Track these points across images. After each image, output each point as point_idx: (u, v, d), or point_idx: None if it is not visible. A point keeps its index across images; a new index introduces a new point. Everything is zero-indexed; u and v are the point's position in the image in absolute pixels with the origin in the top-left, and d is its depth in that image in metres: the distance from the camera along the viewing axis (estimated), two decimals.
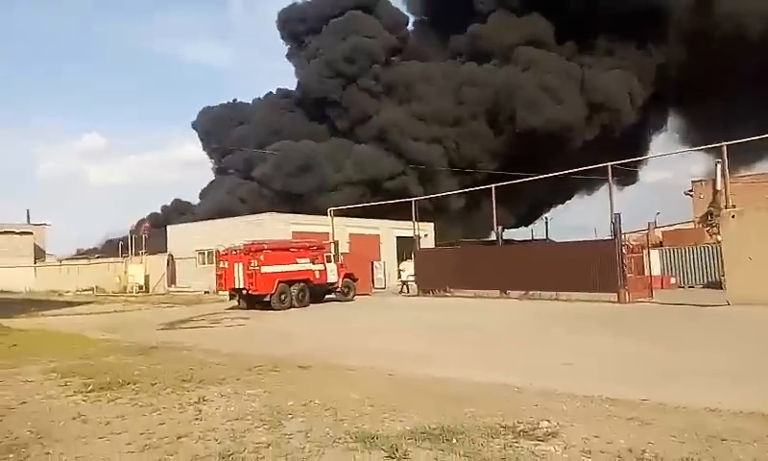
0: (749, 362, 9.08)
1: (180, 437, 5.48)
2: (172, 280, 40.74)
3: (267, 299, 22.09)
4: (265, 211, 37.49)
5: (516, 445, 5.03)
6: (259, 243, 23.61)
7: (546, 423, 5.62)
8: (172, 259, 40.96)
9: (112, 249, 53.83)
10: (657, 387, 7.31)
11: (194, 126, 64.01)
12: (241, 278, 22.43)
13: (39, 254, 55.90)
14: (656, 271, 28.33)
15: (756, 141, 20.01)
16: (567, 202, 60.40)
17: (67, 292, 42.97)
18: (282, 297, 22.39)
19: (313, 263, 24.23)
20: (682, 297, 21.29)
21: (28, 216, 59.53)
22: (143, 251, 43.25)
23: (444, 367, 9.08)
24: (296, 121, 54.28)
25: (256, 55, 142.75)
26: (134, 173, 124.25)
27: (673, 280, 28.53)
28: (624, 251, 21.31)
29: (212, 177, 64.57)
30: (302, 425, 5.77)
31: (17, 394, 7.65)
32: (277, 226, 33.90)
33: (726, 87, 42.67)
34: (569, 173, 25.54)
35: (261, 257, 22.26)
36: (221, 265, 23.95)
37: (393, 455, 4.80)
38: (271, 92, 61.60)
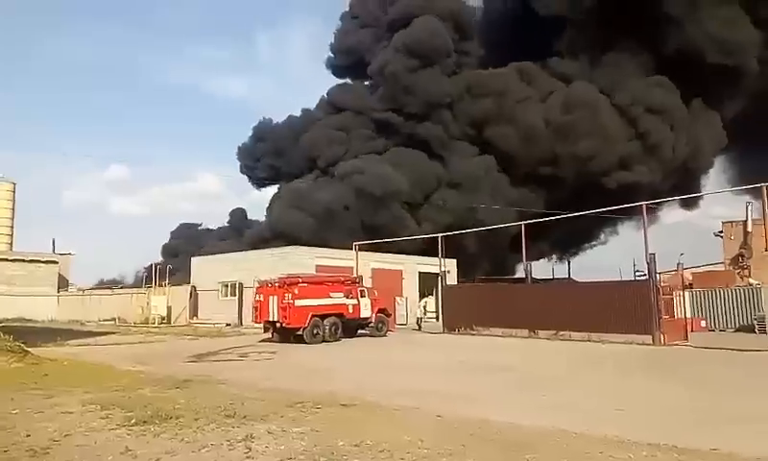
0: None
1: None
2: (194, 312, 40.74)
3: (300, 332, 22.12)
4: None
5: None
6: (294, 276, 23.80)
7: None
8: (195, 291, 41.03)
9: (137, 281, 54.15)
10: (721, 436, 6.95)
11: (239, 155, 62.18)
12: (275, 310, 22.46)
13: (63, 283, 56.37)
14: (686, 313, 27.73)
15: None
16: (592, 242, 59.63)
17: (89, 322, 43.15)
18: (315, 331, 22.43)
19: (347, 297, 24.29)
20: (716, 340, 20.74)
21: (53, 245, 60.29)
22: (166, 282, 43.44)
23: (492, 409, 8.78)
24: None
25: (281, 88, 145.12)
26: (156, 203, 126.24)
27: (703, 323, 27.84)
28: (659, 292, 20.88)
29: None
30: None
31: (59, 426, 7.48)
32: (303, 259, 33.88)
33: None
34: (603, 212, 25.28)
35: (296, 291, 22.40)
36: (257, 297, 23.99)
37: None
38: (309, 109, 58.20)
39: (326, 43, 60.40)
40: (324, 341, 22.38)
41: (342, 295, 24.22)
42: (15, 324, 33.41)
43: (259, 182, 61.40)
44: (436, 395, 10.29)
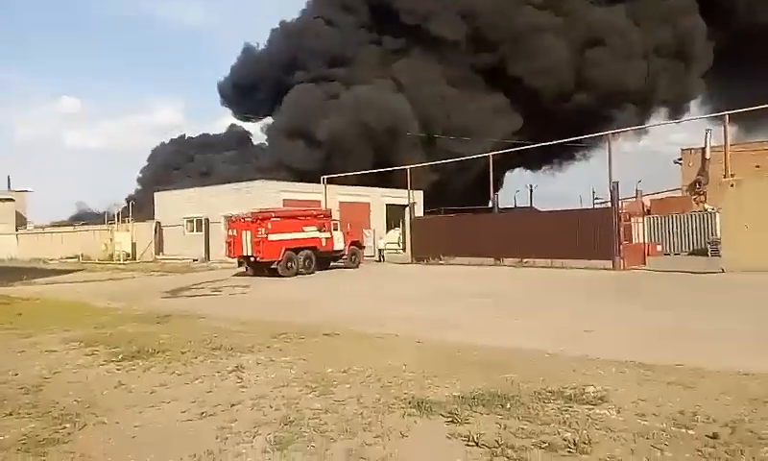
0: (766, 328, 9.31)
1: (233, 405, 5.50)
2: (159, 249, 40.43)
3: (274, 266, 22.47)
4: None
5: (571, 409, 5.13)
6: (267, 211, 23.96)
7: (592, 387, 5.73)
8: (159, 227, 40.59)
9: (91, 218, 53.11)
10: (683, 352, 7.43)
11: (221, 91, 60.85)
12: (249, 245, 22.70)
13: (21, 221, 54.98)
14: (644, 238, 28.79)
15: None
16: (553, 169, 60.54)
17: (52, 260, 42.50)
18: (289, 264, 22.87)
19: (320, 231, 24.59)
20: (673, 264, 21.75)
21: (9, 182, 58.40)
22: (130, 218, 42.78)
23: (469, 333, 9.19)
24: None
25: (237, 15, 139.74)
26: (111, 137, 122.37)
27: (659, 248, 29.01)
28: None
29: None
30: (351, 392, 5.82)
31: (46, 364, 7.57)
32: (269, 193, 33.68)
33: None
34: (569, 141, 25.65)
35: (269, 225, 22.62)
36: (230, 233, 24.10)
37: (455, 420, 4.87)
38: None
39: None
40: (297, 274, 22.80)
41: (315, 229, 24.50)
42: None
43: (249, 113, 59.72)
44: (413, 322, 10.66)
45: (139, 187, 55.54)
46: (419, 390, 5.84)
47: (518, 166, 55.93)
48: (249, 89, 55.97)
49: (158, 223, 40.62)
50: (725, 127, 19.75)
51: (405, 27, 47.46)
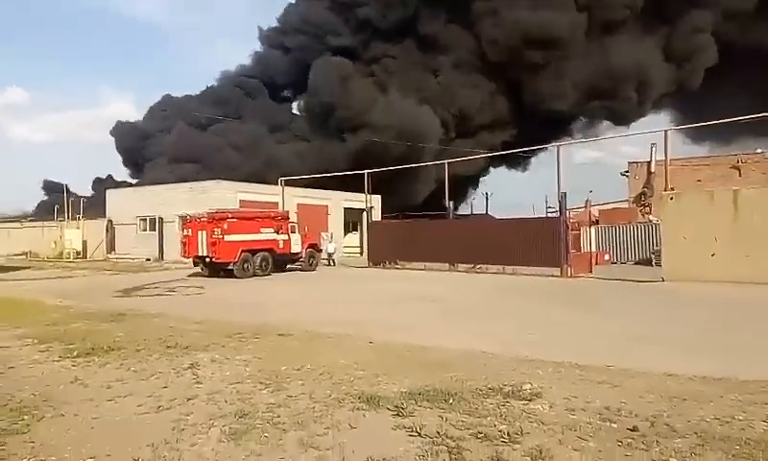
0: (693, 333, 10.02)
1: (189, 399, 5.73)
2: (111, 247, 39.67)
3: (230, 267, 22.37)
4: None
5: (508, 404, 5.54)
6: (223, 211, 23.80)
7: (529, 385, 6.16)
8: (111, 225, 39.83)
9: (41, 213, 51.68)
10: (616, 355, 7.98)
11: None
12: (204, 245, 22.53)
13: None
14: (591, 247, 29.86)
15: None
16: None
17: None
18: (245, 265, 22.83)
19: (277, 233, 24.59)
20: (618, 273, 22.65)
21: None
22: (80, 215, 41.82)
23: (417, 335, 9.57)
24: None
25: (187, 8, 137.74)
26: (57, 131, 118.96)
27: (607, 257, 30.05)
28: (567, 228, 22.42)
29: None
30: (303, 388, 6.11)
31: (0, 360, 7.61)
32: (225, 194, 33.50)
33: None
34: (519, 152, 26.45)
35: (225, 226, 22.52)
36: (185, 232, 23.89)
37: (400, 414, 5.22)
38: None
39: None
40: (254, 275, 22.80)
41: (272, 230, 24.53)
42: None
43: None
44: (366, 323, 10.99)
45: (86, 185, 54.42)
46: (368, 386, 6.17)
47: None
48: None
49: (110, 221, 39.86)
50: (665, 142, 20.78)
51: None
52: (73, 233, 40.09)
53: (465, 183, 54.09)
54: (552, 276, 21.31)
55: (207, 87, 62.31)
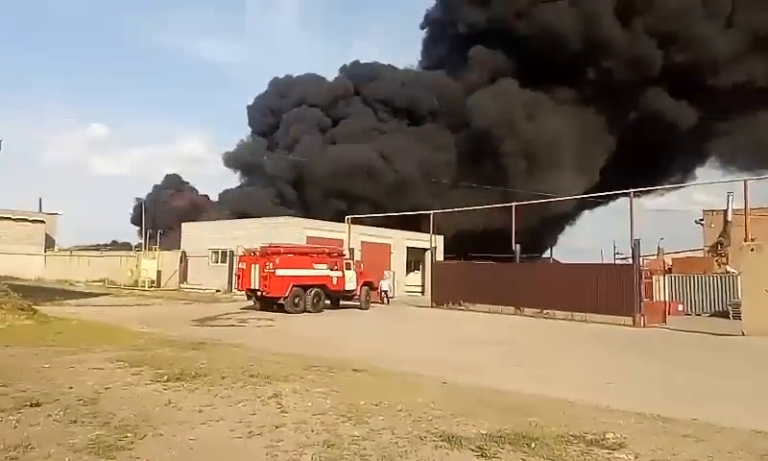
0: None
1: (277, 427, 5.96)
2: (184, 277, 41.20)
3: (281, 301, 22.49)
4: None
5: (592, 452, 5.51)
6: (276, 246, 24.03)
7: (612, 434, 6.09)
8: (185, 256, 41.44)
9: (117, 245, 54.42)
10: (698, 409, 7.75)
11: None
12: (257, 279, 22.75)
13: (49, 243, 56.31)
14: (665, 297, 28.84)
15: None
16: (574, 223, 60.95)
17: (78, 282, 43.45)
18: (296, 300, 22.75)
19: (331, 269, 24.57)
20: (694, 324, 21.79)
21: (40, 205, 60.05)
22: (156, 246, 43.79)
23: (491, 378, 9.56)
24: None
25: (265, 53, 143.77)
26: (137, 165, 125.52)
27: (680, 307, 28.96)
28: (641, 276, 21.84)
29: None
30: (385, 423, 6.25)
31: (97, 380, 8.09)
32: (293, 230, 34.45)
33: None
34: (592, 197, 26.10)
35: (276, 260, 22.57)
36: (240, 265, 24.40)
37: (484, 454, 5.28)
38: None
39: (313, 10, 61.33)
40: (305, 311, 22.75)
41: (326, 266, 24.47)
42: (7, 282, 33.63)
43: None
44: (437, 364, 11.06)
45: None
46: (447, 426, 6.25)
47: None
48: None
49: (184, 252, 41.51)
50: (745, 191, 20.08)
51: None
52: (149, 263, 41.92)
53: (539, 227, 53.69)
54: (624, 325, 20.72)
55: None
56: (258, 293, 23.01)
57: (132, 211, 65.58)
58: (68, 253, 54.28)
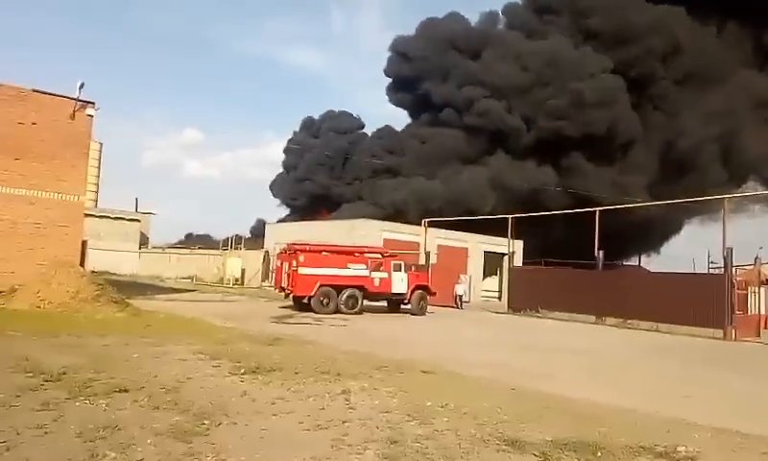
0: None
1: (344, 422, 6.16)
2: (266, 276, 42.70)
3: (306, 300, 21.99)
4: None
5: None
6: (301, 244, 23.48)
7: (684, 448, 5.89)
8: (267, 255, 42.94)
9: (205, 243, 56.91)
10: None
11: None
12: (286, 277, 22.46)
13: (143, 241, 59.84)
14: (761, 310, 27.09)
15: None
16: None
17: (168, 278, 45.94)
18: (324, 300, 21.83)
19: (374, 270, 23.25)
20: None
21: (137, 204, 63.95)
22: (241, 246, 45.67)
23: (563, 386, 9.39)
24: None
25: (353, 62, 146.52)
26: (226, 168, 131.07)
27: None
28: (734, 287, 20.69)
29: None
30: (449, 425, 6.31)
31: (180, 370, 8.60)
32: (371, 232, 34.98)
33: None
34: (684, 202, 24.96)
35: (301, 258, 21.94)
36: (277, 263, 24.12)
37: (546, 460, 5.25)
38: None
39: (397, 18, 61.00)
40: (337, 311, 21.71)
41: (364, 267, 23.20)
42: (105, 277, 36.06)
43: None
44: (507, 369, 10.98)
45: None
46: (512, 431, 6.23)
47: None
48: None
49: (267, 252, 43.01)
50: None
51: None
52: (234, 262, 43.78)
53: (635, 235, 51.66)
54: (713, 337, 19.70)
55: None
56: (287, 290, 22.64)
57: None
58: (161, 250, 57.49)
